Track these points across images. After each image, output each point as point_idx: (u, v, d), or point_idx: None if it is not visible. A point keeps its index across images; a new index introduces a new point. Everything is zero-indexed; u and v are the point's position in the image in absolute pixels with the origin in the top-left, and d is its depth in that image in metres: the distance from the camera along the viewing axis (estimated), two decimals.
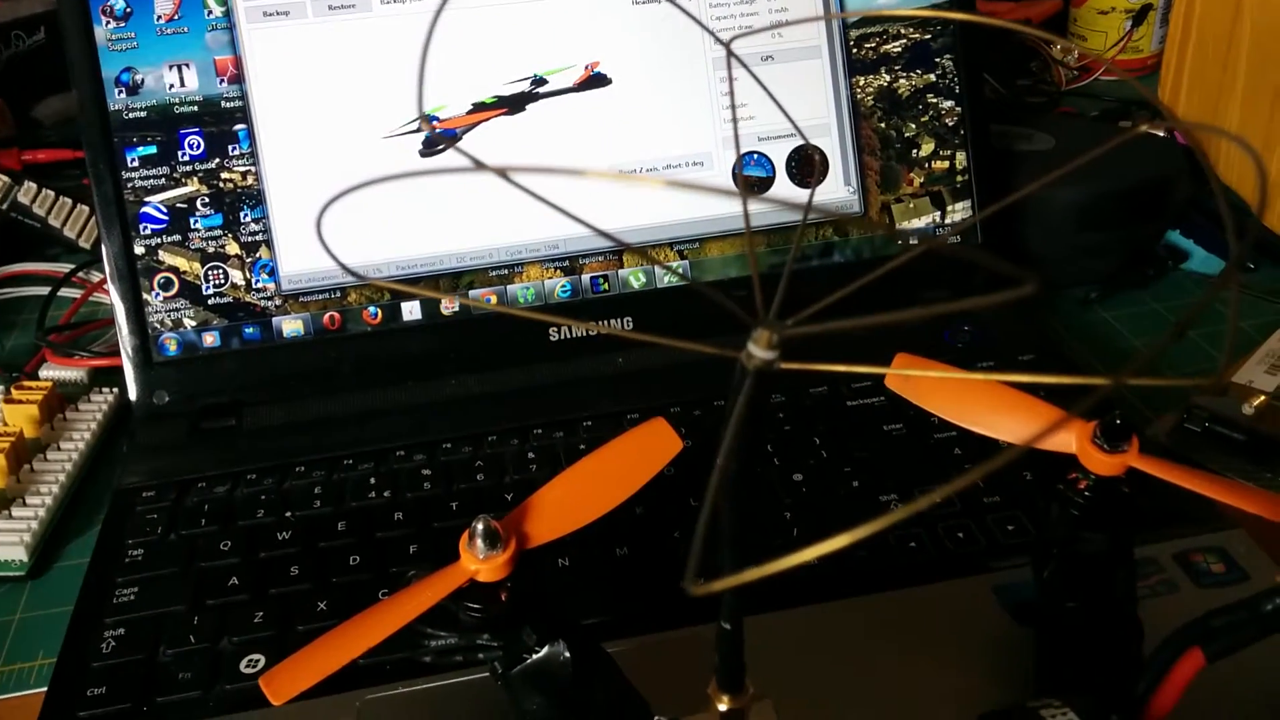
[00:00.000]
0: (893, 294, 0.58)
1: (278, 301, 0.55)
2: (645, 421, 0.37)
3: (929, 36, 0.59)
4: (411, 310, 0.56)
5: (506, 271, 0.56)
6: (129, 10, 0.54)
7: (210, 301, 0.55)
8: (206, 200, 0.54)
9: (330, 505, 0.48)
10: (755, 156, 0.58)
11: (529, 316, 0.36)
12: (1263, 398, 0.52)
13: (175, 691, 0.40)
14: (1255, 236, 0.63)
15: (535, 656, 0.33)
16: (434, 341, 0.56)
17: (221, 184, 0.54)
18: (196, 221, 0.54)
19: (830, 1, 0.58)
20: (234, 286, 0.55)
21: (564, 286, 0.57)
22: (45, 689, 0.41)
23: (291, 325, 0.55)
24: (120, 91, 0.54)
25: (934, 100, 0.59)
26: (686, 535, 0.45)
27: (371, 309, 0.55)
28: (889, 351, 0.39)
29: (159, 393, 0.54)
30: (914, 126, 0.59)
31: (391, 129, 0.55)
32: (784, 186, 0.58)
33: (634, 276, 0.57)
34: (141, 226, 0.54)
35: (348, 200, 0.22)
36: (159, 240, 0.54)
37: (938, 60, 0.59)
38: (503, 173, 0.20)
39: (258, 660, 0.41)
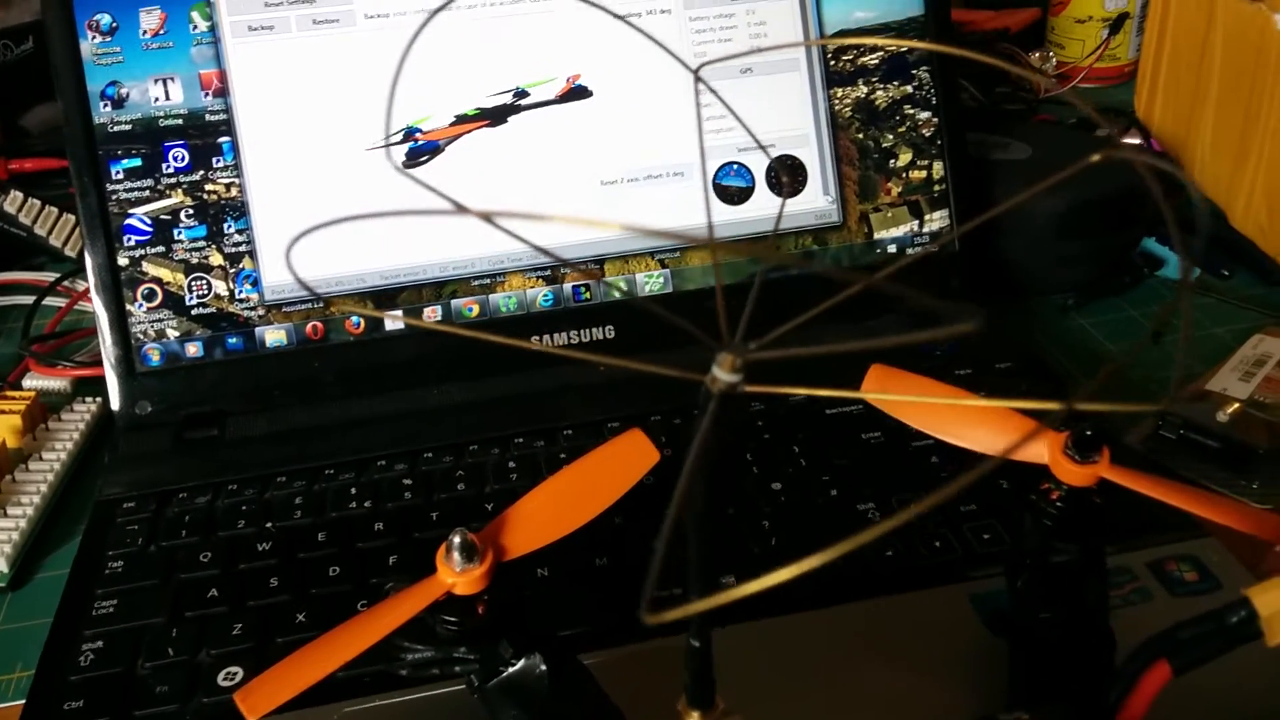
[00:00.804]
0: (867, 309, 0.59)
1: (261, 312, 0.55)
2: (623, 433, 0.38)
3: (905, 50, 0.59)
4: (394, 320, 0.56)
5: (489, 281, 0.56)
6: (115, 25, 0.54)
7: (193, 312, 0.55)
8: (190, 212, 0.55)
9: (311, 516, 0.49)
10: (735, 167, 0.58)
11: (470, 336, 0.36)
12: (1237, 405, 0.53)
13: (153, 705, 0.40)
14: (1201, 256, 0.64)
15: (512, 669, 0.33)
16: (416, 351, 0.56)
17: (205, 196, 0.55)
18: (180, 233, 0.55)
19: (809, 22, 0.59)
20: (217, 297, 0.55)
21: (546, 296, 0.57)
22: (23, 701, 0.41)
23: (274, 335, 0.55)
24: (105, 105, 0.54)
25: (911, 111, 0.59)
26: (667, 547, 0.45)
27: (354, 319, 0.56)
28: (866, 362, 0.40)
29: (141, 403, 0.54)
30: (891, 137, 0.59)
31: (374, 141, 0.55)
32: (764, 196, 0.58)
33: (615, 285, 0.58)
34: (125, 238, 0.54)
35: (326, 211, 0.23)
36: (143, 251, 0.54)
37: (914, 72, 0.59)
38: (487, 217, 0.20)
39: (236, 673, 0.41)
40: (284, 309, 0.55)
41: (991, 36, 0.88)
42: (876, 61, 0.59)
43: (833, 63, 0.58)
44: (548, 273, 0.57)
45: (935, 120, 0.60)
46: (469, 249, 0.56)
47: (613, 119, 0.57)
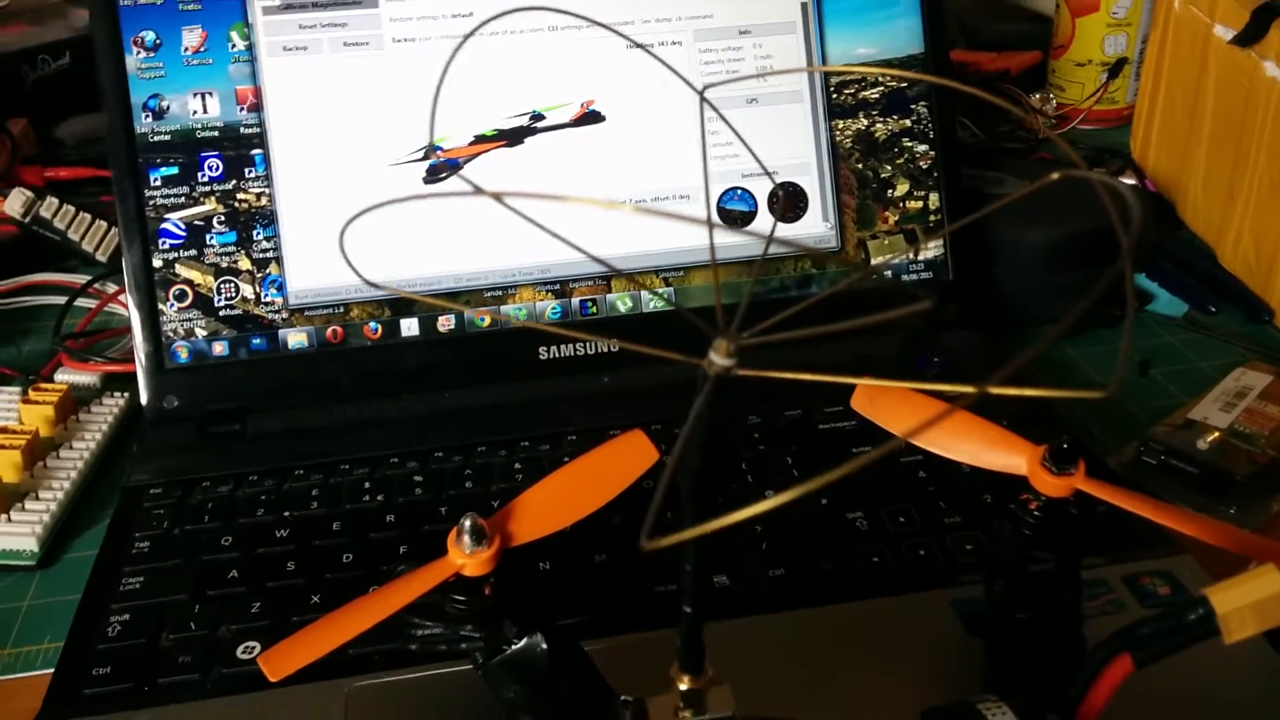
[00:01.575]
0: (858, 329, 0.61)
1: (284, 315, 0.58)
2: (624, 433, 0.40)
3: (905, 85, 0.62)
4: (410, 327, 0.59)
5: (500, 293, 0.59)
6: (159, 42, 0.57)
7: (221, 313, 0.58)
8: (222, 219, 0.58)
9: (326, 507, 0.51)
10: (739, 192, 0.61)
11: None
12: (1217, 434, 0.55)
13: (176, 674, 0.43)
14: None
15: (514, 647, 0.35)
16: (430, 357, 0.59)
17: (237, 204, 0.58)
18: (212, 238, 0.58)
19: (813, 56, 0.62)
20: (244, 300, 0.58)
21: (554, 309, 0.60)
22: (52, 670, 0.44)
23: (296, 338, 0.58)
24: (147, 116, 0.57)
25: (909, 144, 0.62)
26: (660, 548, 0.48)
27: (372, 324, 0.58)
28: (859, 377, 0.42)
29: (169, 397, 0.57)
30: (890, 168, 0.62)
31: (398, 158, 0.58)
32: (766, 220, 0.61)
33: (620, 301, 0.60)
34: (160, 241, 0.57)
35: (353, 223, 0.25)
36: (176, 254, 0.57)
37: (913, 107, 0.62)
38: (498, 196, 0.23)
39: (254, 647, 0.44)
40: (306, 313, 0.58)
41: (993, 77, 0.91)
42: (877, 95, 0.62)
43: (835, 95, 0.61)
44: (556, 286, 0.60)
45: (932, 153, 0.62)
46: (482, 262, 0.59)
47: (623, 143, 0.60)
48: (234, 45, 0.58)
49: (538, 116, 0.59)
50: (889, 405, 0.43)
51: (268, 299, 0.58)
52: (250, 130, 0.58)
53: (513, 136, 0.59)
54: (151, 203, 0.57)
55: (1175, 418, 0.57)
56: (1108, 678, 0.34)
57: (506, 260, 0.59)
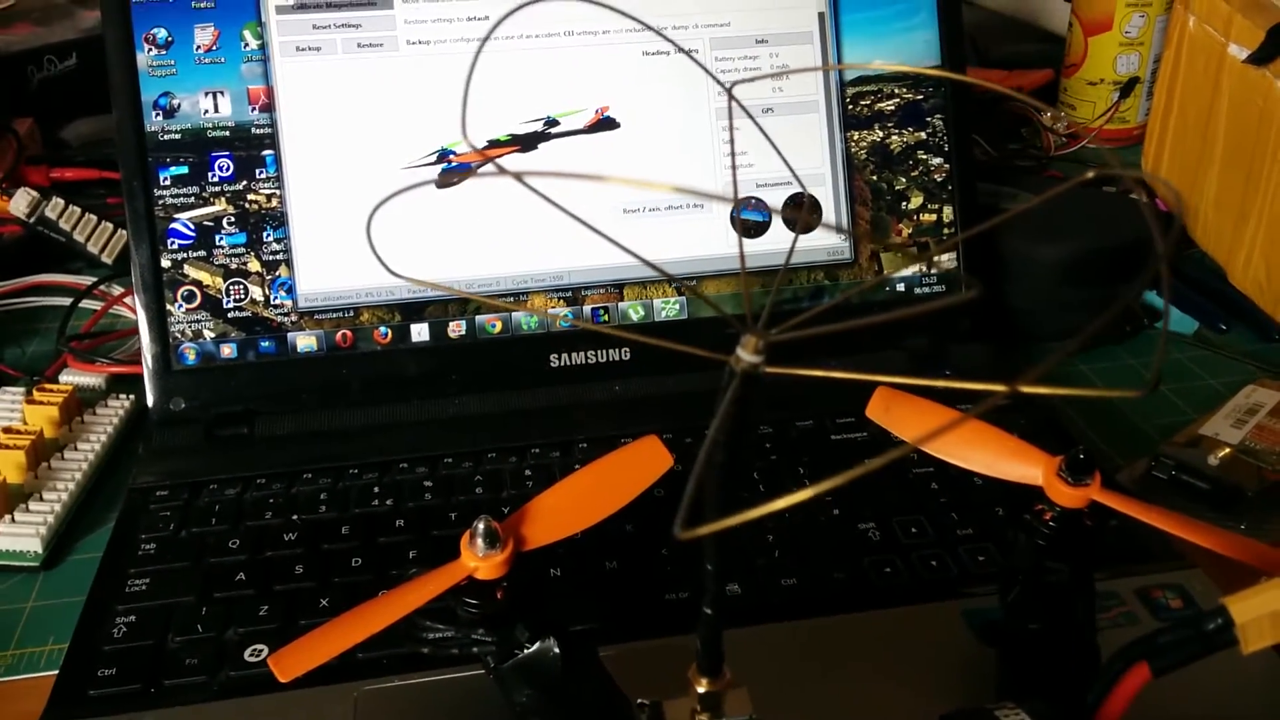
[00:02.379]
0: (878, 334, 0.61)
1: (294, 318, 0.58)
2: (639, 439, 0.40)
3: (921, 96, 0.62)
4: (420, 332, 0.58)
5: (512, 299, 0.59)
6: (170, 39, 0.57)
7: (230, 315, 0.57)
8: (232, 219, 0.57)
9: (335, 510, 0.51)
10: (754, 202, 0.61)
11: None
12: (1228, 450, 0.55)
13: (182, 675, 0.42)
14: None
15: (527, 651, 0.35)
16: (440, 362, 0.58)
17: (247, 205, 0.57)
18: (221, 239, 0.57)
19: (828, 57, 0.62)
20: (253, 302, 0.57)
21: (566, 316, 0.60)
22: (55, 672, 0.43)
23: (305, 341, 0.58)
24: (157, 114, 0.57)
25: (924, 157, 0.62)
26: (674, 552, 0.48)
27: (382, 329, 0.58)
28: (872, 388, 0.42)
29: (176, 399, 0.57)
30: (904, 180, 0.62)
31: (410, 161, 0.58)
32: (780, 231, 0.61)
33: (633, 309, 0.60)
34: (169, 241, 0.57)
35: (364, 227, 0.24)
36: (185, 255, 0.57)
37: (928, 119, 0.62)
38: (518, 176, 0.23)
39: (261, 650, 0.43)
40: (315, 316, 0.58)
41: (1005, 95, 0.91)
42: (892, 107, 0.62)
43: (850, 107, 0.61)
44: (569, 294, 0.59)
45: (947, 166, 0.62)
46: (494, 268, 0.59)
47: (638, 150, 0.60)
48: (247, 44, 0.57)
49: (552, 122, 0.59)
50: (905, 414, 0.42)
51: (277, 301, 0.58)
52: (262, 130, 0.57)
53: (526, 142, 0.59)
54: (161, 202, 0.57)
55: (1186, 434, 0.57)
56: (1125, 686, 0.34)
57: (520, 266, 0.59)
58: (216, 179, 0.57)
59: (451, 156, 0.59)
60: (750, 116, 0.32)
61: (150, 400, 0.57)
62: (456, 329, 0.59)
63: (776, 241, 0.61)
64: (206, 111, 0.57)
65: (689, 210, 0.60)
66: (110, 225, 0.74)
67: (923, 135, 0.62)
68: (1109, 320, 0.56)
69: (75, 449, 0.56)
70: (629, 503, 0.38)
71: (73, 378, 0.62)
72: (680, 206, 0.60)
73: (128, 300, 0.69)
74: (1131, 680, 0.34)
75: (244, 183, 0.57)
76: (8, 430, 0.55)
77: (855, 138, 0.61)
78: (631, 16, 0.35)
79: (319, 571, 0.47)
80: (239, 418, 0.57)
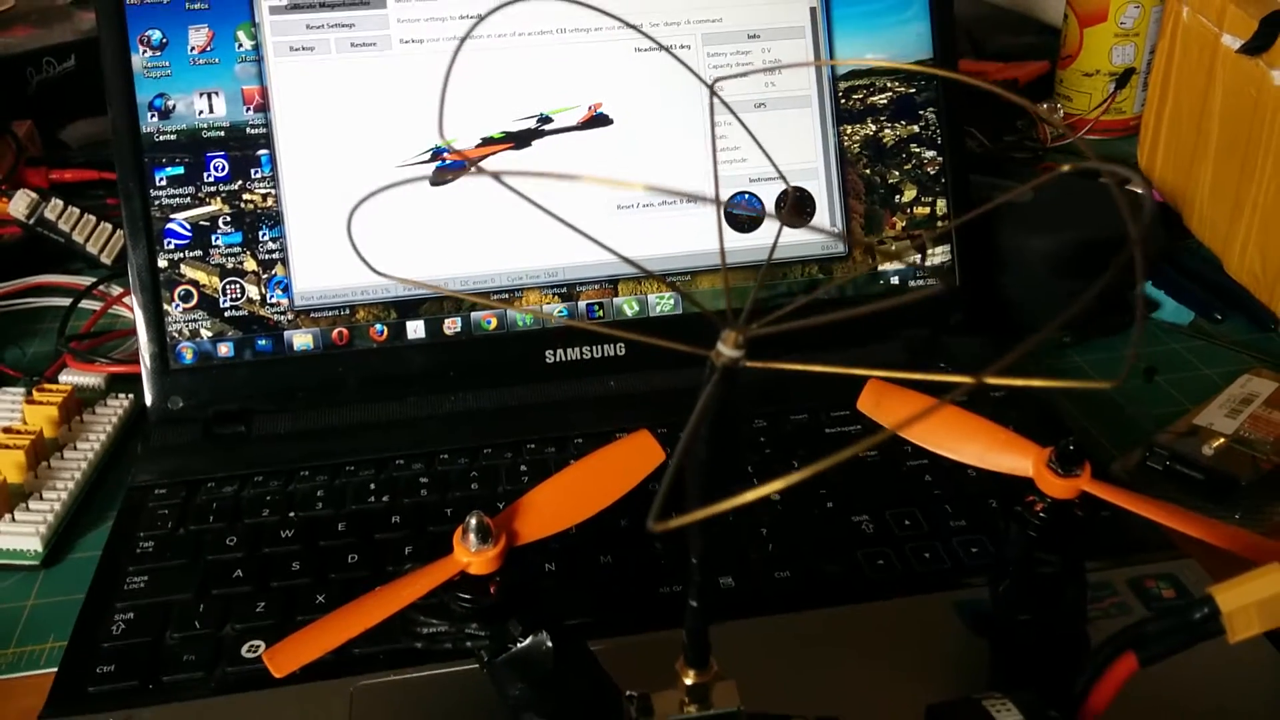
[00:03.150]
0: (872, 327, 0.61)
1: (290, 316, 0.58)
2: (631, 433, 0.40)
3: (913, 90, 0.62)
4: (416, 329, 0.59)
5: (507, 296, 0.59)
6: (165, 41, 0.57)
7: (226, 314, 0.58)
8: (228, 219, 0.58)
9: (331, 507, 0.51)
10: (745, 196, 0.61)
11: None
12: (1222, 440, 0.55)
13: (180, 672, 0.43)
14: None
15: (520, 646, 0.35)
16: (436, 360, 0.59)
17: (243, 204, 0.58)
18: (217, 238, 0.58)
19: (821, 57, 0.62)
20: (250, 301, 0.58)
21: (561, 312, 0.60)
22: (55, 670, 0.44)
23: (302, 339, 0.58)
24: (152, 115, 0.57)
25: (917, 150, 0.62)
26: (666, 547, 0.48)
27: (378, 326, 0.58)
28: (862, 382, 0.42)
29: (174, 398, 0.57)
30: (897, 174, 0.62)
31: (404, 159, 0.58)
32: (772, 225, 0.61)
33: (628, 305, 0.60)
34: (165, 241, 0.57)
35: (358, 224, 0.25)
36: (181, 255, 0.57)
37: (921, 113, 0.62)
38: (496, 176, 0.23)
39: (258, 646, 0.43)
40: (312, 314, 0.58)
41: (1000, 86, 0.91)
42: (885, 101, 0.62)
43: (843, 101, 0.61)
44: (564, 290, 0.60)
45: (940, 159, 0.62)
46: (489, 264, 0.59)
47: (631, 147, 0.60)
48: (241, 45, 0.58)
49: (545, 119, 0.59)
50: (896, 407, 0.43)
51: (273, 300, 0.58)
52: (256, 130, 0.58)
53: (520, 139, 0.59)
54: (157, 202, 0.57)
55: (1180, 424, 0.57)
56: (1112, 675, 0.34)
57: (514, 263, 0.59)
58: (212, 179, 0.58)
59: (445, 155, 0.59)
60: (733, 112, 0.32)
61: (149, 399, 0.57)
62: (452, 326, 0.59)
63: (769, 236, 0.61)
64: (201, 112, 0.58)
65: (682, 206, 0.60)
66: (109, 226, 0.74)
67: (915, 129, 0.62)
68: (1079, 311, 0.57)
69: (75, 448, 0.56)
70: (621, 497, 0.38)
71: (72, 377, 0.63)
72: (673, 202, 0.60)
73: (126, 300, 0.69)
74: (1119, 670, 0.34)
75: (239, 182, 0.58)
76: (7, 430, 0.55)
77: (848, 132, 0.62)
78: (610, 14, 0.35)
79: (316, 568, 0.47)
80: (236, 416, 0.57)
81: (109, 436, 0.58)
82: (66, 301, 0.70)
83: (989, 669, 0.41)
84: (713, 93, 0.30)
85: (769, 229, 0.61)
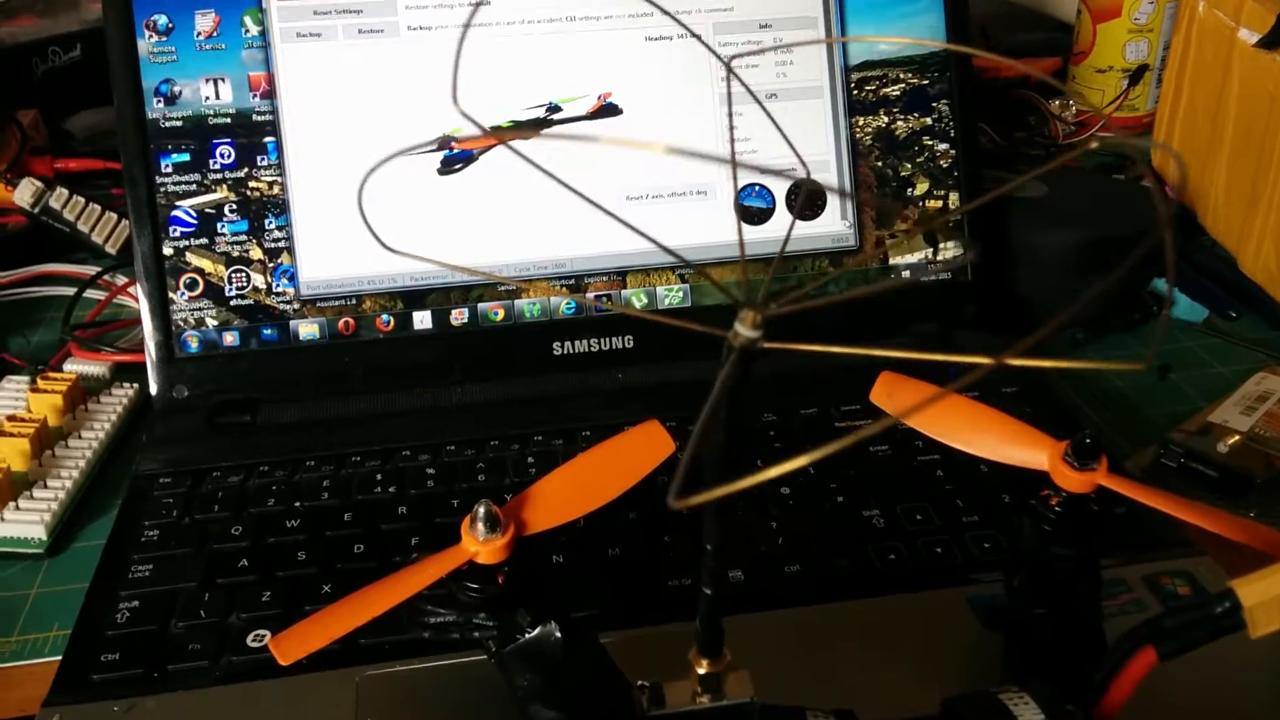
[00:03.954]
0: (884, 323, 0.61)
1: (296, 306, 0.57)
2: (641, 424, 0.40)
3: (926, 82, 0.62)
4: (423, 320, 0.58)
5: (514, 287, 0.59)
6: (171, 26, 0.57)
7: (232, 303, 0.57)
8: (234, 207, 0.57)
9: (338, 498, 0.51)
10: (756, 189, 0.60)
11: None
12: (1237, 437, 0.54)
13: (185, 660, 0.42)
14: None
15: (528, 636, 0.35)
16: (443, 350, 0.58)
17: (249, 192, 0.57)
18: (223, 226, 0.57)
19: (834, 52, 0.61)
20: (255, 289, 0.57)
21: (569, 304, 0.59)
22: (59, 658, 0.43)
23: (308, 329, 0.58)
24: (158, 101, 0.57)
25: (930, 142, 0.62)
26: (675, 539, 0.47)
27: (385, 316, 0.58)
28: (875, 372, 0.41)
29: (179, 387, 0.57)
30: (909, 166, 0.62)
31: (412, 146, 0.58)
32: (783, 217, 0.61)
33: (636, 297, 0.60)
34: (171, 229, 0.57)
35: (369, 212, 0.24)
36: (187, 243, 0.57)
37: (934, 105, 0.62)
38: (504, 141, 0.22)
39: (264, 635, 0.43)
40: (318, 304, 0.58)
41: (1012, 83, 0.90)
42: (898, 93, 0.61)
43: (855, 92, 0.61)
44: (571, 282, 0.59)
45: (953, 152, 0.62)
46: (497, 255, 0.58)
47: (641, 136, 0.59)
48: (247, 30, 0.57)
49: (554, 108, 0.59)
50: (908, 399, 0.42)
51: (279, 289, 0.57)
52: (263, 117, 0.57)
53: (529, 128, 0.59)
54: (162, 189, 0.57)
55: (1195, 421, 0.56)
56: (1131, 670, 0.34)
57: (522, 254, 0.59)
58: (218, 166, 0.57)
59: (453, 144, 0.58)
60: (749, 91, 0.32)
61: (153, 388, 0.57)
62: (459, 316, 0.59)
63: (780, 229, 0.61)
64: (207, 98, 0.57)
65: (692, 197, 0.60)
66: (114, 215, 0.74)
67: (928, 121, 0.62)
68: (1096, 298, 0.56)
69: (79, 437, 0.56)
70: (630, 488, 0.38)
71: (77, 366, 0.62)
72: (684, 193, 0.60)
73: (131, 290, 0.69)
74: (1138, 664, 0.33)
75: (245, 170, 0.57)
76: (12, 418, 0.55)
77: (860, 123, 0.61)
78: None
79: (321, 558, 0.47)
80: (242, 405, 0.56)
81: (114, 425, 0.57)
82: (71, 290, 0.70)
83: (1002, 662, 0.41)
84: (729, 70, 0.29)
85: (778, 221, 0.61)
